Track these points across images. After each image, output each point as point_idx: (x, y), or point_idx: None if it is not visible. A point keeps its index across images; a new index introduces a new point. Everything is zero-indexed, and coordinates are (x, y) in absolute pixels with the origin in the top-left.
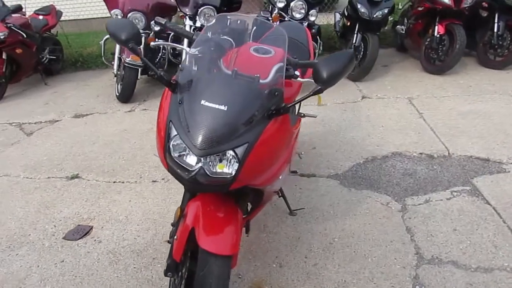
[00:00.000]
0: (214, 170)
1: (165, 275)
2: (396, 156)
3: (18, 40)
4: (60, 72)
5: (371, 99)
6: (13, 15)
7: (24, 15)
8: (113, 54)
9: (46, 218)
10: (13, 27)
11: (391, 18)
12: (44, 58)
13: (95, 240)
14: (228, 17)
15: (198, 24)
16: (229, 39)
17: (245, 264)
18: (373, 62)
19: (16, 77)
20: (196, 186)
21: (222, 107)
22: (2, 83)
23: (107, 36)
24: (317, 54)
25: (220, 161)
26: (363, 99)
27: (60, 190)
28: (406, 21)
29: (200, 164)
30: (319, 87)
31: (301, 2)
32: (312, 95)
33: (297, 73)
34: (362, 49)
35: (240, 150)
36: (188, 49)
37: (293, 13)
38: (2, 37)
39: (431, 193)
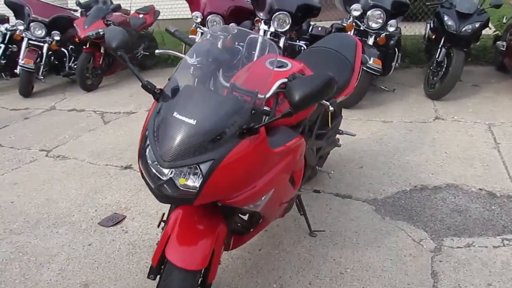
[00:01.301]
0: (177, 183)
1: (148, 277)
2: (450, 188)
3: None
4: (153, 68)
5: (445, 121)
6: (113, 13)
7: (128, 13)
8: None
9: (92, 202)
10: (112, 25)
11: (495, 32)
12: (139, 54)
13: (123, 230)
14: (231, 29)
15: (272, 29)
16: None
17: (247, 279)
18: (455, 80)
19: (111, 70)
20: (161, 196)
21: (191, 121)
22: (98, 74)
23: (191, 36)
24: (393, 67)
25: (185, 175)
26: (435, 120)
27: (112, 178)
28: (508, 36)
29: (166, 176)
30: (289, 111)
31: (379, 12)
32: (279, 118)
33: None
34: (445, 65)
35: (204, 166)
36: (188, 58)
37: (369, 23)
38: (101, 33)
39: (477, 237)
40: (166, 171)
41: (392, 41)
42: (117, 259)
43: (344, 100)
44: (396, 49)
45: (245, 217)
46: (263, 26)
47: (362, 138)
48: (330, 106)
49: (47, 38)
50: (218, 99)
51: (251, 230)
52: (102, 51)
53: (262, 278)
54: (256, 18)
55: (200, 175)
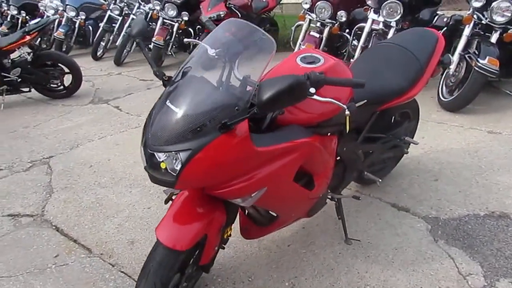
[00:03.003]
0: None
1: None
2: None
3: (233, 16)
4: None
5: None
6: None
7: None
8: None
9: None
10: (233, 7)
11: None
12: None
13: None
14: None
15: (381, 18)
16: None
17: (264, 271)
18: None
19: None
20: (150, 177)
21: (177, 110)
22: None
23: (299, 22)
24: None
25: (166, 160)
26: None
27: None
28: None
29: (151, 159)
30: (254, 111)
31: (507, 4)
32: (245, 117)
33: (312, 90)
34: None
35: (183, 155)
36: (205, 45)
37: (494, 16)
38: (222, 15)
39: None
40: (150, 154)
41: None
42: None
43: (450, 103)
44: None
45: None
46: (372, 15)
47: (453, 147)
48: (346, 110)
49: (178, 18)
50: (207, 92)
51: (270, 224)
52: None
53: (278, 274)
54: (365, 6)
55: (180, 162)
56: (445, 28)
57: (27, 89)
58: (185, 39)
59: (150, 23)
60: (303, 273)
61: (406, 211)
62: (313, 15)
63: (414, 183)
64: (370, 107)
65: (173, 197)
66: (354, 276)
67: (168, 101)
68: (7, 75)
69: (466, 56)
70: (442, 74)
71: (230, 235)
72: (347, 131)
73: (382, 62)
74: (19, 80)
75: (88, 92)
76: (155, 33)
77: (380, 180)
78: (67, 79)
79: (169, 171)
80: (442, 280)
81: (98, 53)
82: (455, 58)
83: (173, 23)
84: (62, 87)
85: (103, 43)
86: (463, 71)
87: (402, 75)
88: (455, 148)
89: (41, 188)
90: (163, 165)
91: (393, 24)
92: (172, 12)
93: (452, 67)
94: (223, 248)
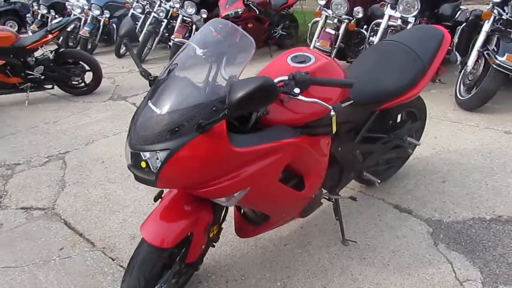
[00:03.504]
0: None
1: None
2: None
3: (251, 15)
4: (290, 47)
5: None
6: None
7: None
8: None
9: None
10: (251, 5)
11: None
12: (276, 33)
13: None
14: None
15: (397, 14)
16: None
17: (257, 269)
18: None
19: None
20: (133, 174)
21: (157, 110)
22: None
23: (316, 19)
24: None
25: (146, 159)
26: None
27: None
28: None
29: (133, 158)
30: (224, 112)
31: None
32: (218, 119)
33: (297, 90)
34: None
35: (162, 154)
36: (195, 46)
37: None
38: (240, 12)
39: None
40: (132, 153)
41: None
42: None
43: (467, 101)
44: None
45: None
46: (388, 11)
47: (466, 148)
48: (332, 111)
49: (197, 16)
50: (187, 92)
51: (263, 224)
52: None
53: (271, 273)
54: (382, 2)
55: (159, 162)
56: (464, 24)
57: (50, 86)
58: (176, 39)
59: (171, 21)
60: (296, 273)
61: (408, 213)
62: (329, 12)
63: (421, 184)
64: (368, 107)
65: (163, 195)
66: (348, 278)
67: (149, 100)
68: (31, 72)
69: (485, 53)
70: (460, 72)
71: (216, 234)
72: (333, 132)
73: (383, 61)
74: (42, 77)
75: (109, 89)
76: (175, 30)
77: (379, 181)
78: (88, 77)
79: (150, 170)
80: (437, 285)
81: (121, 51)
82: (473, 55)
83: (193, 20)
84: (83, 84)
85: None
86: (481, 68)
87: (402, 74)
88: (467, 149)
89: (55, 183)
90: (143, 164)
91: (411, 20)
92: (191, 10)
93: (470, 64)
94: (213, 246)
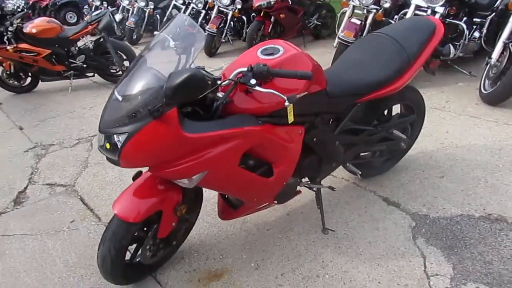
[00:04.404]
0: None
1: None
2: None
3: (284, 5)
4: (326, 38)
5: None
6: None
7: None
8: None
9: None
10: None
11: None
12: (311, 23)
13: None
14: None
15: (424, 3)
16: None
17: (237, 251)
18: None
19: (281, 38)
20: (105, 155)
21: (119, 97)
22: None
23: (344, 9)
24: None
25: (110, 141)
26: None
27: None
28: None
29: (102, 141)
30: (163, 100)
31: None
32: (159, 107)
33: (253, 81)
34: None
35: (121, 137)
36: (168, 37)
37: None
38: (272, 2)
39: None
40: (101, 136)
41: None
42: None
43: (490, 95)
44: None
45: None
46: (415, 0)
47: (476, 143)
48: (286, 101)
49: (231, 6)
50: (147, 81)
51: (239, 208)
52: (272, 20)
53: (248, 255)
54: None
55: (119, 144)
56: (493, 14)
57: (91, 74)
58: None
59: (209, 11)
60: (271, 256)
61: (395, 206)
62: (356, 1)
63: (417, 178)
64: (347, 99)
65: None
66: (318, 265)
67: (116, 88)
68: (73, 61)
69: (510, 45)
70: (486, 64)
71: (184, 214)
72: (289, 122)
73: (368, 53)
74: (84, 65)
75: None
76: (210, 21)
77: (360, 173)
78: (126, 65)
79: (113, 151)
80: (403, 277)
81: None
82: (498, 46)
83: (228, 11)
84: (120, 72)
85: None
86: (505, 61)
87: (385, 66)
88: (478, 145)
89: (79, 163)
90: (108, 146)
91: (438, 9)
92: (226, 1)
93: (494, 56)
94: (189, 226)
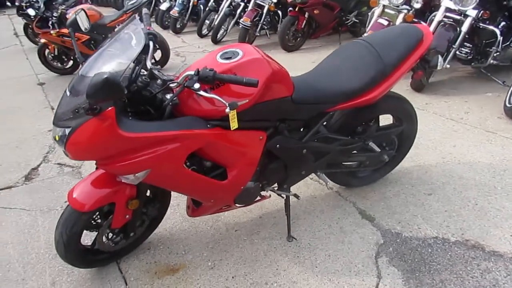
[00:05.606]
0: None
1: None
2: None
3: (319, 1)
4: (362, 36)
5: None
6: None
7: None
8: None
9: None
10: None
11: None
12: (349, 20)
13: None
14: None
15: (454, 6)
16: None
17: (200, 248)
18: None
19: (316, 34)
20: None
21: (68, 93)
22: (299, 36)
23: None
24: None
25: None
26: None
27: None
28: None
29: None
30: (87, 101)
31: None
32: (86, 107)
33: (196, 85)
34: None
35: (67, 131)
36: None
37: None
38: None
39: None
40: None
41: None
42: None
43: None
44: None
45: None
46: (445, 3)
47: (480, 161)
48: (227, 108)
49: (268, 0)
50: (89, 78)
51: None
52: (306, 16)
53: (208, 253)
54: None
55: (65, 137)
56: None
57: None
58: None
59: (247, 4)
60: (229, 257)
61: (369, 220)
62: (386, 1)
63: (403, 193)
64: (314, 107)
65: None
66: (270, 272)
67: (68, 85)
68: None
69: None
70: None
71: (138, 208)
72: (232, 128)
73: (347, 61)
74: None
75: (176, 66)
76: (245, 14)
77: (328, 183)
78: (158, 54)
79: (61, 143)
80: None
81: (203, 31)
82: None
83: (264, 4)
84: (153, 60)
85: (208, 21)
86: None
87: (358, 76)
88: (482, 163)
89: None
90: (57, 138)
91: (470, 13)
92: None
93: None
94: (144, 220)
